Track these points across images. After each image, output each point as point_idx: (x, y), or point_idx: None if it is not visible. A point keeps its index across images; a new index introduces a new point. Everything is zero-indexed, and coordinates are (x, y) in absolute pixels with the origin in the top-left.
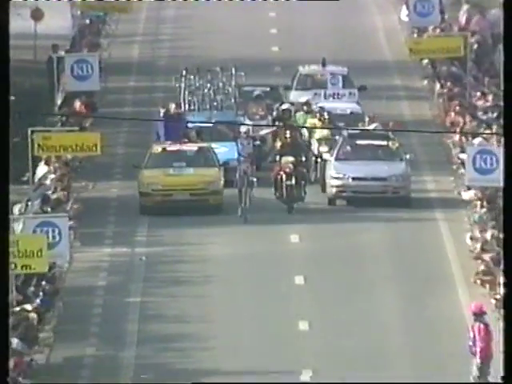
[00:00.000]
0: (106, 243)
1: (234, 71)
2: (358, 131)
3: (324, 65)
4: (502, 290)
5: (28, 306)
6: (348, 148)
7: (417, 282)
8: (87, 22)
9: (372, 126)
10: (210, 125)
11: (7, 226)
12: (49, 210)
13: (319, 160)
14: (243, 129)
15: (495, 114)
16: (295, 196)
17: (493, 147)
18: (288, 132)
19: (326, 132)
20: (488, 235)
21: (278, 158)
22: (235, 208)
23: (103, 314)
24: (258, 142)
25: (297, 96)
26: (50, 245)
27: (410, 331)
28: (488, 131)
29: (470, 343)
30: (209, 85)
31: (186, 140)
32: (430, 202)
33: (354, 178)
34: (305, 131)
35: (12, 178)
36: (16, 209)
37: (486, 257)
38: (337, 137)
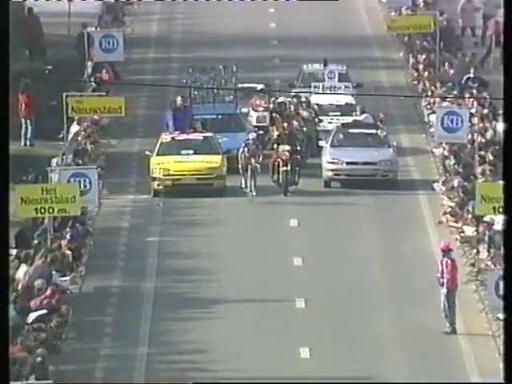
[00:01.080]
0: (129, 191)
1: (234, 69)
2: (350, 122)
3: (325, 64)
4: (467, 230)
5: (63, 244)
6: (341, 136)
7: (394, 225)
8: (112, 1)
9: (363, 116)
10: (214, 116)
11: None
12: (80, 162)
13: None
14: (253, 122)
15: (477, 85)
16: (290, 180)
17: (458, 109)
18: (285, 124)
19: (306, 113)
20: (455, 183)
21: (275, 146)
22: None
23: (127, 250)
24: (261, 132)
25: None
26: (82, 192)
27: (388, 265)
28: (454, 96)
29: (438, 275)
30: (212, 81)
31: (193, 130)
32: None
33: (347, 163)
34: (300, 121)
35: (49, 135)
36: (53, 162)
37: (452, 202)
38: (316, 119)
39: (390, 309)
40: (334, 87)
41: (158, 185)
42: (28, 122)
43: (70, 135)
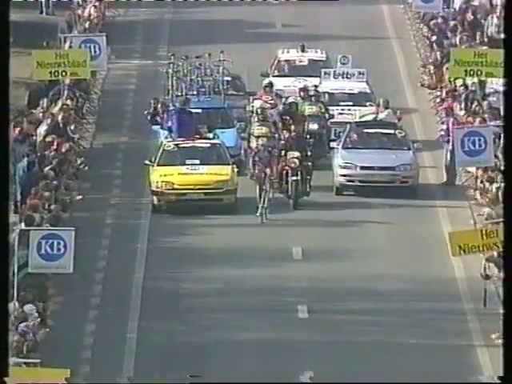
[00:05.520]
0: (135, 56)
1: (221, 57)
2: (365, 120)
3: (303, 50)
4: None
5: (68, 101)
6: (355, 136)
7: None
8: None
9: (384, 113)
10: (199, 111)
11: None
12: (88, 31)
13: (308, 137)
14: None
15: None
16: (300, 191)
17: None
18: (293, 127)
19: (315, 109)
20: (436, 55)
21: (283, 152)
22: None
23: (133, 110)
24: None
25: (275, 83)
26: (92, 57)
27: None
28: None
29: (443, 133)
30: (196, 71)
31: (198, 136)
32: None
33: (362, 167)
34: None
35: (63, 5)
36: (66, 29)
37: (431, 69)
38: (326, 115)
39: None
40: (347, 73)
41: (160, 200)
42: None
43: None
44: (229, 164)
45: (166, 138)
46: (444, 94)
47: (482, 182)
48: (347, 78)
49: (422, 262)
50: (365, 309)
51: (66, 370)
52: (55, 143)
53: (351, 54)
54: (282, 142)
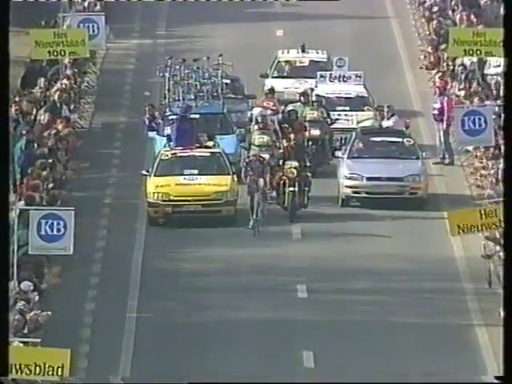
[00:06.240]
0: (133, 36)
1: (220, 61)
2: (371, 128)
3: (304, 50)
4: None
5: (65, 81)
6: (361, 145)
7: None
8: None
9: (391, 120)
10: (197, 116)
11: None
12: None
13: (310, 143)
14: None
15: None
16: (298, 203)
17: None
18: (293, 135)
19: (316, 114)
20: (433, 25)
21: (280, 162)
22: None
23: (132, 90)
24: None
25: (274, 84)
26: (90, 37)
27: None
28: None
29: (436, 112)
30: (194, 75)
31: (198, 145)
32: None
33: (368, 178)
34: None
35: None
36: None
37: (429, 49)
38: (328, 120)
39: None
40: (344, 76)
41: (156, 212)
42: None
43: None
44: (229, 174)
45: (165, 146)
46: (441, 74)
47: (481, 161)
48: (344, 81)
49: (422, 242)
50: (364, 288)
51: (67, 350)
52: (54, 123)
53: (350, 34)
54: (281, 151)
